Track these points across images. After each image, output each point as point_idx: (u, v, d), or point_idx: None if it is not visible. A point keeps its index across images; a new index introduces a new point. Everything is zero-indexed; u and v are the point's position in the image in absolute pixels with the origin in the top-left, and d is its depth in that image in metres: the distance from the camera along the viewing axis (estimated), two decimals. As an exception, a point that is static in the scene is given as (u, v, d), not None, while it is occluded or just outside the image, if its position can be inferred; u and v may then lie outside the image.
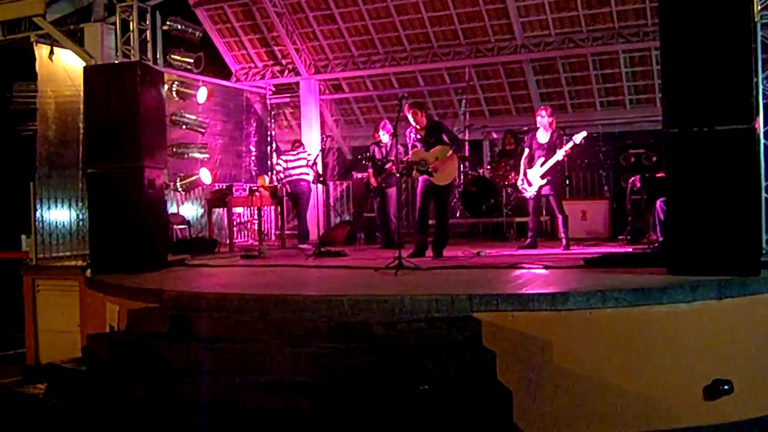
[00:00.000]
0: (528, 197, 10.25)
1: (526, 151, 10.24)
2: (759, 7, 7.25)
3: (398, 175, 8.92)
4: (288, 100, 17.03)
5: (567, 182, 12.48)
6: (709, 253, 6.02)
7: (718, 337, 5.52)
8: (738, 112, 6.02)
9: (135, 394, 5.21)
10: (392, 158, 10.37)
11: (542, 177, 9.88)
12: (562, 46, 14.09)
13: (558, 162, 9.89)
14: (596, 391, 5.27)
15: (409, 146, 9.24)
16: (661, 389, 5.34)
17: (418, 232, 9.33)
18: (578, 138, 9.85)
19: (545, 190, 9.96)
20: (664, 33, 6.41)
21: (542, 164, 9.88)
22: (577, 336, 5.31)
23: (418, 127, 9.13)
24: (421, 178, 9.14)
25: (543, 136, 10.06)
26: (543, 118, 10.06)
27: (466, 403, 4.56)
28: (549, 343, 5.25)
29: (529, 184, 10.03)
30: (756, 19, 6.96)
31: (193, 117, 13.29)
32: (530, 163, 10.09)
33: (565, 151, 9.81)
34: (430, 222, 9.51)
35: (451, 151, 8.96)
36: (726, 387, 5.36)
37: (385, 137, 11.19)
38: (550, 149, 9.90)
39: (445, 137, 9.06)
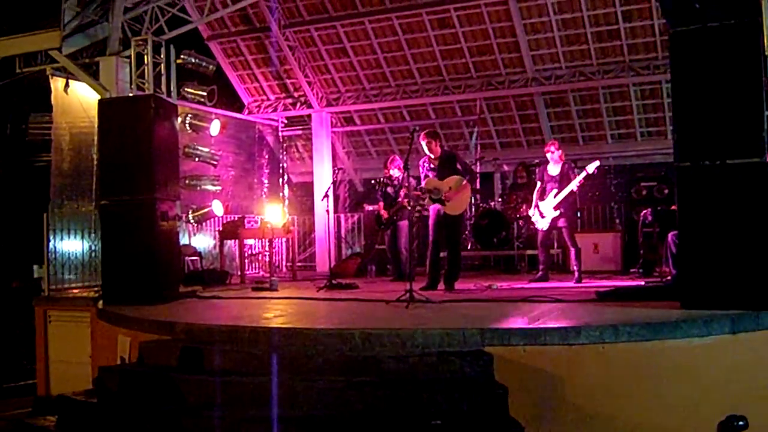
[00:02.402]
0: (538, 230, 10.25)
1: (538, 184, 10.28)
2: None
3: (410, 208, 8.92)
4: (300, 132, 17.14)
5: (578, 214, 12.48)
6: (722, 287, 5.98)
7: (733, 372, 5.47)
8: (750, 145, 6.00)
9: (146, 427, 5.19)
10: (404, 190, 10.39)
11: (555, 209, 9.89)
12: (572, 79, 14.16)
13: (570, 194, 9.90)
14: (609, 426, 5.22)
15: (422, 176, 9.25)
16: (674, 425, 5.28)
17: (430, 265, 9.30)
18: (591, 168, 9.86)
19: (559, 223, 9.96)
20: (674, 67, 6.43)
21: (555, 196, 9.89)
22: (589, 371, 5.27)
23: (432, 156, 9.15)
24: (432, 209, 9.14)
25: (553, 169, 10.11)
26: (553, 153, 10.11)
27: (478, 439, 4.54)
28: (561, 377, 5.21)
29: (542, 216, 10.03)
30: (767, 53, 6.97)
31: (206, 149, 13.38)
32: (542, 195, 10.12)
33: (579, 180, 9.83)
34: (442, 255, 9.49)
35: (465, 182, 8.98)
36: (741, 423, 5.30)
37: (395, 172, 11.22)
38: (561, 181, 9.93)
39: (459, 167, 9.09)
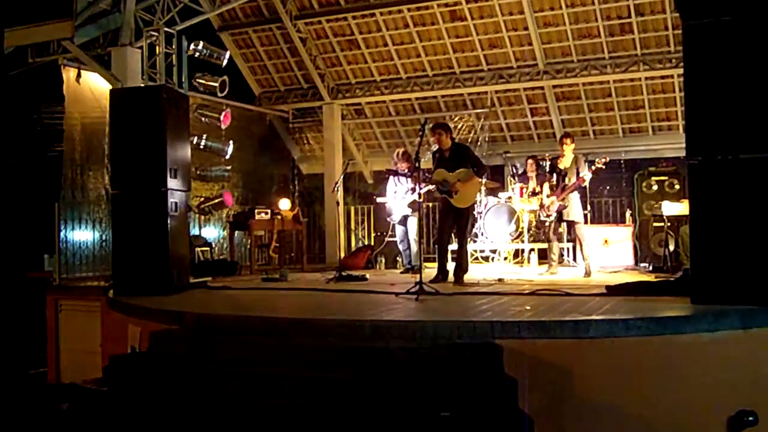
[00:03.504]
0: (550, 223, 10.24)
1: (549, 177, 10.27)
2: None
3: (420, 200, 8.92)
4: (310, 124, 17.14)
5: (588, 208, 12.46)
6: (733, 282, 5.95)
7: (743, 367, 5.45)
8: (763, 140, 5.97)
9: (156, 416, 5.22)
10: (414, 184, 10.38)
11: (564, 202, 9.88)
12: (584, 73, 14.10)
13: (579, 188, 9.89)
14: (618, 420, 5.21)
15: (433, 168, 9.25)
16: (684, 420, 5.28)
17: (439, 257, 9.32)
18: (599, 163, 9.88)
19: (569, 216, 9.95)
20: (687, 61, 6.39)
21: (564, 189, 9.88)
22: (599, 364, 5.27)
23: (443, 148, 9.15)
24: (441, 201, 9.16)
25: (564, 162, 10.09)
26: (568, 146, 10.08)
27: (487, 431, 4.53)
28: (571, 371, 5.21)
29: (552, 209, 10.02)
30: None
31: (217, 140, 13.40)
32: (553, 189, 10.11)
33: (587, 176, 9.82)
34: (452, 248, 9.50)
35: (473, 174, 8.98)
36: (751, 419, 5.28)
37: (403, 165, 11.20)
38: (571, 174, 9.92)
39: (469, 160, 9.09)
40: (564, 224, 10.42)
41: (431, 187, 9.32)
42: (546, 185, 10.30)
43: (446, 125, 9.53)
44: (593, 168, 9.92)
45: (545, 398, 5.17)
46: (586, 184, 10.10)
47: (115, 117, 8.97)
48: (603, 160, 10.01)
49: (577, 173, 9.89)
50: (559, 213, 10.01)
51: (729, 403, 5.33)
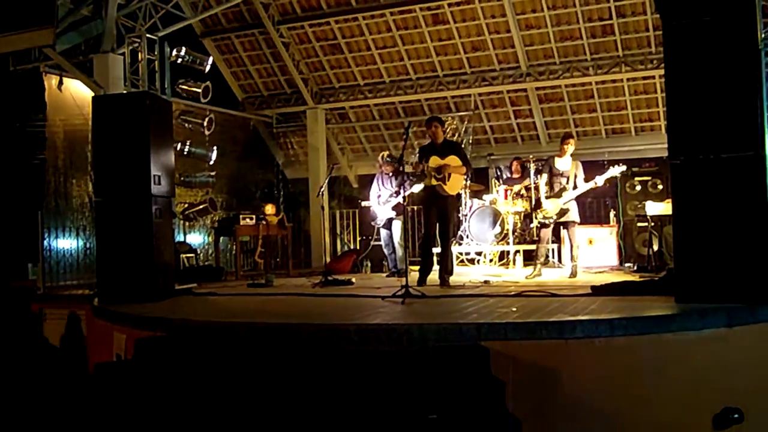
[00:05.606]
0: (541, 225, 10.09)
1: (544, 177, 10.07)
2: (763, 35, 7.26)
3: (404, 203, 8.94)
4: (294, 128, 17.13)
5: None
6: (717, 281, 5.98)
7: (728, 365, 5.48)
8: (744, 139, 6.01)
9: (142, 424, 5.19)
10: (398, 188, 10.42)
11: (566, 205, 9.72)
12: (566, 75, 14.17)
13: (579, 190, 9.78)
14: (605, 420, 5.23)
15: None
16: (669, 418, 5.29)
17: (423, 255, 9.30)
18: (616, 171, 9.79)
19: (567, 218, 9.81)
20: (668, 61, 6.43)
21: (566, 192, 9.72)
22: (585, 364, 5.28)
23: (437, 141, 9.21)
24: (425, 197, 9.17)
25: (562, 164, 9.92)
26: (570, 146, 9.91)
27: (475, 433, 4.54)
28: (558, 371, 5.21)
29: (552, 213, 9.81)
30: (761, 46, 6.97)
31: (201, 146, 13.37)
32: (549, 190, 9.94)
33: (599, 181, 9.72)
34: (436, 250, 9.51)
35: (461, 164, 9.06)
36: (736, 416, 5.31)
37: (387, 168, 11.22)
38: (570, 177, 9.77)
39: (459, 155, 9.16)
40: (558, 225, 10.28)
41: (415, 189, 9.36)
42: (543, 183, 10.03)
43: (440, 119, 9.65)
44: (610, 178, 9.81)
45: (532, 399, 5.18)
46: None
47: (98, 124, 8.92)
48: (621, 168, 9.89)
49: (576, 175, 9.76)
50: (561, 214, 9.82)
51: (714, 400, 5.36)
